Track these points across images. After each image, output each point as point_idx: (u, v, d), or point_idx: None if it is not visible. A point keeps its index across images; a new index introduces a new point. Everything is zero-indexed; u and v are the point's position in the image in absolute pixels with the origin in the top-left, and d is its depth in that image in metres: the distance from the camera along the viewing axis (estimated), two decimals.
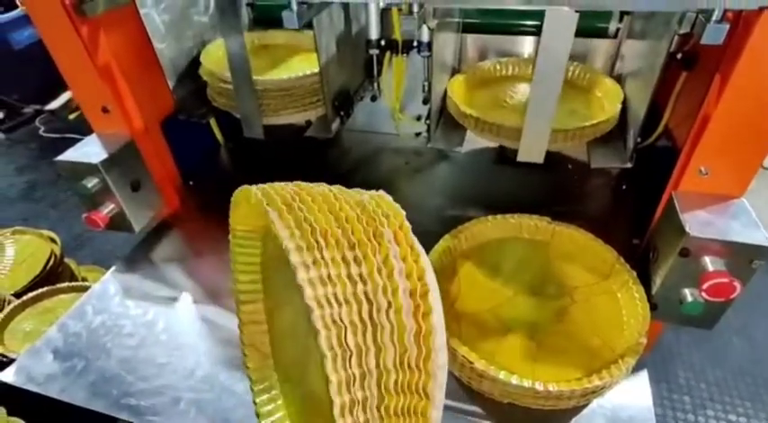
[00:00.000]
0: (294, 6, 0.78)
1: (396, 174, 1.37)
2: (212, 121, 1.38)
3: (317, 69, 1.00)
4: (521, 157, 0.96)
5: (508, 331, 0.82)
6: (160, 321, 0.96)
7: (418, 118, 1.43)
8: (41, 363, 0.89)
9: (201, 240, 1.21)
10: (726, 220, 0.73)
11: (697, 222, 0.73)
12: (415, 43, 1.05)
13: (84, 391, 0.84)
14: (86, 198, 1.03)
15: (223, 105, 1.14)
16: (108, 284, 1.06)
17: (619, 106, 0.98)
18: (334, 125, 1.09)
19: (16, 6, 3.94)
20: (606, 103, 1.05)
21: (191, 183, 1.31)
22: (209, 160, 1.44)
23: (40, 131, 3.69)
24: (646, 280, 0.84)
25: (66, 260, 2.18)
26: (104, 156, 1.00)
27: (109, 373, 0.86)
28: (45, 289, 1.85)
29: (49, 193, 3.05)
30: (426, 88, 1.14)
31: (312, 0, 0.80)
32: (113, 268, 1.10)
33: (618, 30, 1.13)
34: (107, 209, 1.05)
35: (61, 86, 3.97)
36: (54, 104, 3.80)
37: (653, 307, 0.79)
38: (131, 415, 0.79)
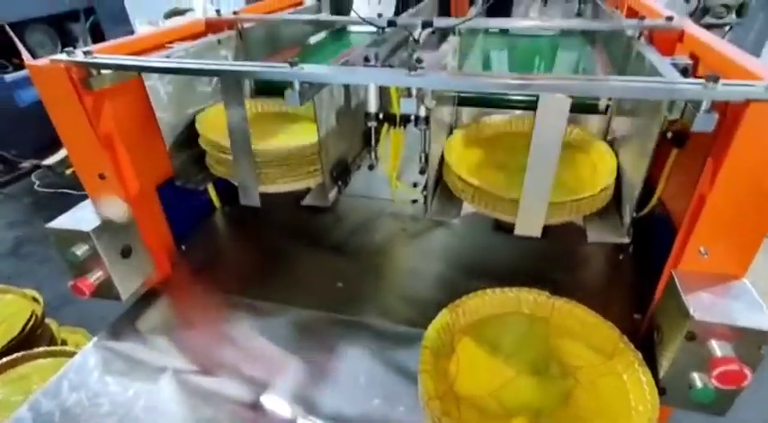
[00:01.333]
0: (297, 87, 0.80)
1: (392, 240, 1.36)
2: (209, 186, 1.39)
3: (315, 139, 1.02)
4: (518, 231, 0.96)
5: (511, 417, 0.77)
6: (141, 399, 0.90)
7: (414, 185, 1.44)
8: None
9: (191, 309, 1.17)
10: (730, 301, 0.72)
11: (701, 305, 0.71)
12: (413, 117, 1.09)
13: None
14: (74, 265, 1.01)
15: (221, 173, 1.15)
16: (88, 357, 1.00)
17: (614, 176, 1.00)
18: (332, 194, 1.09)
19: (24, 67, 4.09)
20: (600, 171, 1.06)
21: (183, 247, 1.29)
22: (204, 224, 1.43)
23: (36, 186, 3.69)
24: (651, 361, 0.81)
25: (48, 320, 2.10)
26: (96, 223, 0.99)
27: None
28: (20, 354, 1.76)
29: (36, 250, 2.99)
30: (423, 159, 1.16)
31: (313, 81, 0.82)
32: (95, 339, 1.05)
33: (608, 107, 1.18)
34: (94, 276, 1.02)
35: (59, 143, 4.03)
36: (51, 160, 3.83)
37: (661, 391, 0.76)
38: None
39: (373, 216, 1.46)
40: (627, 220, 0.95)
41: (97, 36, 4.46)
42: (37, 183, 3.72)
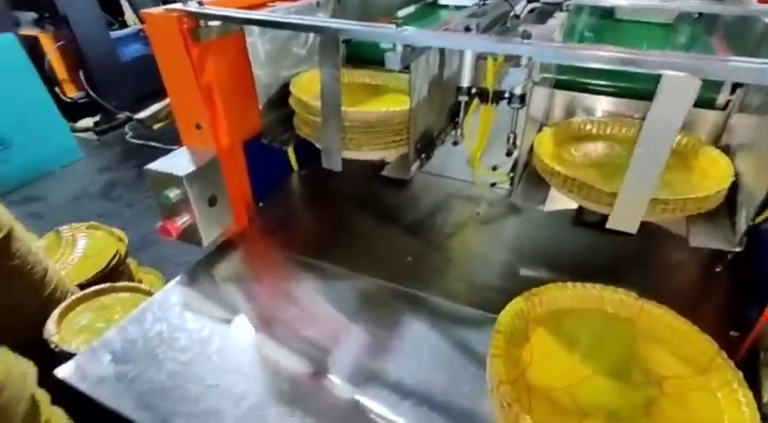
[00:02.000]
0: (399, 48, 0.78)
1: (465, 223, 1.32)
2: (290, 148, 1.42)
3: (403, 108, 1.00)
4: (611, 225, 0.89)
5: (585, 416, 0.73)
6: (215, 340, 0.94)
7: (494, 168, 1.39)
8: (97, 364, 0.89)
9: (263, 264, 1.21)
10: None
11: None
12: (507, 94, 1.03)
13: (132, 401, 0.82)
14: (165, 207, 1.07)
15: (306, 135, 1.16)
16: (170, 294, 1.07)
17: (729, 182, 0.90)
18: (414, 167, 1.07)
19: (128, 24, 4.39)
20: (712, 176, 0.97)
21: (260, 204, 1.33)
22: (281, 185, 1.47)
23: (127, 137, 3.99)
24: (754, 384, 0.73)
25: (129, 259, 2.28)
26: (190, 169, 1.03)
27: (158, 385, 0.85)
28: (105, 285, 1.92)
29: (124, 194, 3.24)
30: (512, 140, 1.11)
31: (418, 44, 0.80)
32: (177, 279, 1.11)
33: (728, 102, 1.06)
34: (182, 220, 1.08)
35: (152, 99, 4.30)
36: (143, 114, 4.11)
37: (764, 417, 0.68)
38: None
39: (447, 196, 1.42)
40: (742, 227, 0.85)
41: None
42: (129, 134, 4.02)
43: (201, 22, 0.95)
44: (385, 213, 1.35)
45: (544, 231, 1.29)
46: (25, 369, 1.35)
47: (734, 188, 0.93)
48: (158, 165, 1.05)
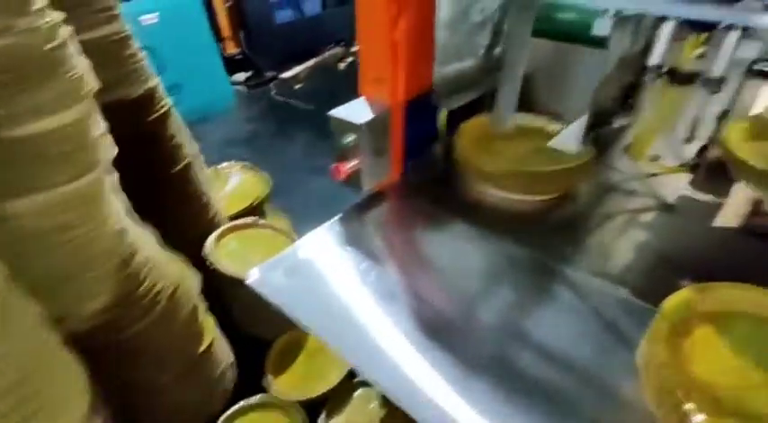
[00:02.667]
0: (611, 11, 0.77)
1: (614, 212, 1.27)
2: (442, 113, 1.46)
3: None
4: None
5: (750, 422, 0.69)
6: (372, 273, 1.04)
7: (653, 159, 1.31)
8: (274, 275, 1.04)
9: (410, 216, 1.28)
10: None
11: None
12: (701, 77, 0.96)
13: (304, 310, 0.95)
14: (340, 151, 1.18)
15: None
16: (331, 229, 1.19)
17: None
18: (584, 139, 1.05)
19: None
20: None
21: (410, 163, 1.40)
22: (428, 146, 1.53)
23: (272, 93, 4.37)
24: None
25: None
26: (368, 118, 1.13)
27: (328, 298, 0.97)
28: (251, 219, 2.18)
29: (265, 144, 3.59)
30: (693, 127, 1.04)
31: (630, 11, 0.78)
32: (336, 218, 1.23)
33: None
34: (350, 164, 1.19)
35: (295, 61, 4.65)
36: (287, 74, 4.46)
37: None
38: None
39: (597, 183, 1.37)
40: None
41: None
42: (273, 91, 4.40)
43: None
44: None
45: (705, 235, 1.19)
46: (192, 277, 1.60)
47: None
48: (340, 112, 1.16)
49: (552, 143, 1.09)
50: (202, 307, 1.70)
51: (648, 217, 1.24)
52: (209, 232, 1.99)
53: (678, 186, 1.29)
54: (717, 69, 0.92)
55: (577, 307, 0.96)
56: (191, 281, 1.61)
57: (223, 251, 2.04)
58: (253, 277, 1.03)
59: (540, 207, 1.28)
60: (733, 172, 0.93)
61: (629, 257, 1.10)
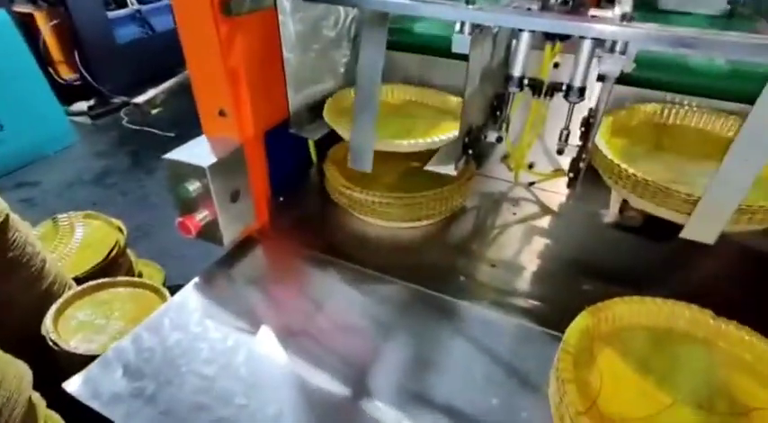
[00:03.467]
0: (468, 29, 0.68)
1: (500, 225, 1.23)
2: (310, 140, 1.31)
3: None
4: (687, 235, 0.81)
5: None
6: (240, 351, 0.85)
7: (530, 166, 1.31)
8: (110, 377, 0.79)
9: (288, 264, 1.11)
10: None
11: None
12: (565, 87, 0.94)
13: None
14: (184, 202, 0.96)
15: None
16: (188, 298, 0.97)
17: None
18: (460, 162, 0.98)
19: (126, 5, 4.21)
20: None
21: (281, 199, 1.23)
22: (301, 178, 1.36)
23: (123, 121, 3.84)
24: None
25: (127, 251, 2.16)
26: (213, 160, 0.93)
27: (181, 404, 0.75)
28: (105, 280, 1.81)
29: (119, 181, 3.11)
30: (564, 137, 1.02)
31: (494, 24, 0.70)
32: (195, 280, 1.01)
33: None
34: (201, 216, 0.98)
35: (149, 83, 4.15)
36: (140, 98, 3.95)
37: None
38: None
39: (481, 195, 1.33)
40: None
41: None
42: (125, 119, 3.87)
43: None
44: None
45: (585, 235, 1.21)
46: (21, 371, 1.25)
47: None
48: (178, 154, 0.95)
49: (428, 166, 1.00)
50: (41, 404, 1.34)
51: (534, 226, 1.22)
52: (48, 305, 1.61)
53: (557, 191, 1.30)
54: (578, 79, 0.90)
55: (481, 349, 0.87)
56: (18, 377, 1.25)
57: (70, 325, 1.66)
58: (76, 386, 0.77)
59: (425, 232, 1.19)
60: (609, 183, 0.92)
61: (522, 278, 1.06)
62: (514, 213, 1.27)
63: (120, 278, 1.83)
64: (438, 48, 1.23)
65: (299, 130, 1.12)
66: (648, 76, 1.09)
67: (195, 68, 0.93)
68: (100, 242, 2.02)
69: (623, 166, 0.86)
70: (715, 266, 1.07)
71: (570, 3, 1.05)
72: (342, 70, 1.24)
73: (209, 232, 1.00)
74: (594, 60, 0.73)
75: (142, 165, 3.28)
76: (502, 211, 1.27)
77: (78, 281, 1.80)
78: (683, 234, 0.81)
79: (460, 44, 0.69)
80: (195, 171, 0.92)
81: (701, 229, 0.79)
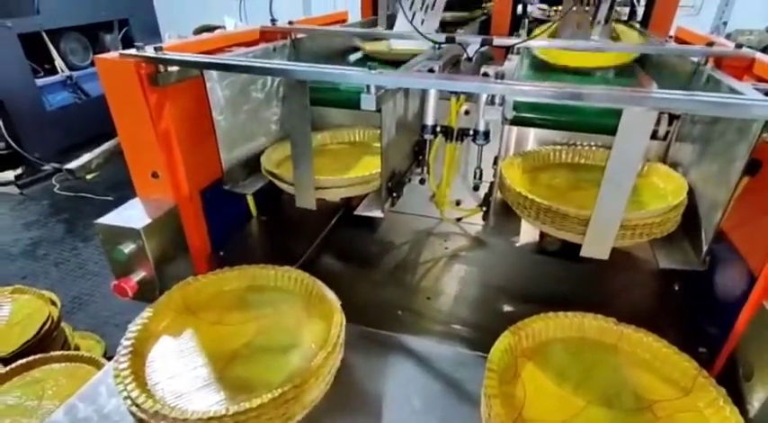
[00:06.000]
0: (373, 90, 0.78)
1: (436, 259, 1.32)
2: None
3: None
4: (585, 253, 0.92)
5: None
6: None
7: (457, 203, 1.42)
8: None
9: None
10: None
11: None
12: (471, 131, 1.06)
13: None
14: (119, 264, 0.97)
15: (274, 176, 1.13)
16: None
17: (683, 204, 0.96)
18: (387, 205, 1.06)
19: (56, 72, 4.16)
20: (671, 197, 1.02)
21: (221, 253, 1.25)
22: (241, 232, 1.40)
23: (55, 189, 3.70)
24: (735, 399, 0.75)
25: (62, 324, 2.05)
26: (147, 221, 0.96)
27: None
28: (36, 357, 1.70)
29: (52, 251, 2.97)
30: (478, 175, 1.13)
31: (394, 86, 0.81)
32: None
33: (667, 132, 1.15)
34: (138, 277, 0.99)
35: (82, 148, 4.06)
36: (73, 164, 3.83)
37: None
38: None
39: (414, 233, 1.42)
40: (704, 247, 0.91)
41: (127, 46, 4.54)
42: (57, 186, 3.73)
43: (161, 67, 0.90)
44: (349, 254, 1.33)
45: (510, 262, 1.32)
46: None
47: (693, 211, 0.98)
48: (111, 218, 0.97)
49: (357, 212, 1.07)
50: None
51: (464, 256, 1.32)
52: None
53: (480, 224, 1.41)
54: (481, 124, 1.03)
55: (419, 377, 0.92)
56: None
57: None
58: None
59: (363, 270, 1.25)
60: (516, 210, 1.03)
61: (456, 306, 1.14)
62: (446, 247, 1.36)
63: (53, 353, 1.73)
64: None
65: (234, 186, 1.17)
66: (549, 118, 1.25)
67: (126, 135, 0.98)
68: (29, 318, 1.90)
69: (527, 195, 0.97)
70: (620, 279, 1.19)
71: (472, 60, 1.22)
72: (274, 127, 1.32)
73: (147, 293, 1.01)
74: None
75: (77, 233, 3.15)
76: (434, 245, 1.36)
77: (6, 361, 1.68)
78: (582, 252, 0.92)
79: (367, 102, 0.78)
80: (129, 234, 0.94)
81: (595, 247, 0.90)
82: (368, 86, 0.79)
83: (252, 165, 1.21)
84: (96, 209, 3.24)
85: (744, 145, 0.81)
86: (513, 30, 1.81)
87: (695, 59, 1.11)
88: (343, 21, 1.93)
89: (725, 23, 3.94)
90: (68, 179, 3.78)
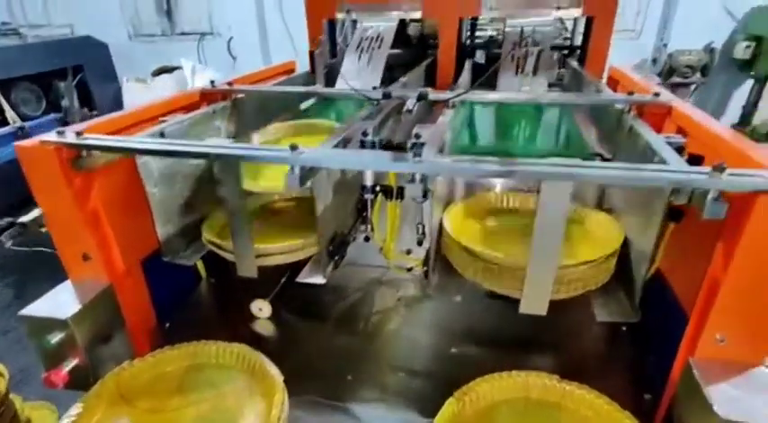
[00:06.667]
0: (297, 171, 0.78)
1: (388, 311, 1.31)
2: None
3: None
4: (523, 310, 0.92)
5: None
6: None
7: (408, 252, 1.42)
8: None
9: None
10: (753, 395, 0.69)
11: (725, 400, 0.68)
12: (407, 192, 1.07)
13: None
14: (48, 355, 0.93)
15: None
16: None
17: (616, 252, 0.98)
18: (328, 269, 1.05)
19: (7, 123, 4.05)
20: (605, 246, 1.04)
21: (167, 325, 1.21)
22: (190, 298, 1.36)
23: (7, 245, 3.54)
24: None
25: (11, 396, 1.93)
26: (76, 309, 0.92)
27: None
28: None
29: (4, 315, 2.82)
30: (421, 231, 1.14)
31: (315, 165, 0.81)
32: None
33: None
34: (70, 366, 0.94)
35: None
36: (26, 218, 3.70)
37: None
38: None
39: (367, 285, 1.41)
40: (636, 298, 0.93)
41: (83, 93, 4.47)
42: (9, 242, 3.57)
43: (84, 152, 0.88)
44: (303, 312, 1.30)
45: (462, 308, 1.31)
46: None
47: (627, 259, 1.01)
48: (36, 308, 0.93)
49: (299, 278, 1.06)
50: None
51: (416, 306, 1.31)
52: None
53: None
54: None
55: None
56: None
57: None
58: None
59: (315, 333, 1.23)
60: (452, 262, 1.04)
61: (407, 365, 1.12)
62: (399, 298, 1.35)
63: None
64: None
65: (174, 257, 1.14)
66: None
67: (51, 220, 0.95)
68: None
69: (467, 254, 0.98)
70: (569, 321, 1.20)
71: (413, 112, 1.24)
72: (211, 197, 1.29)
73: (81, 380, 0.96)
74: None
75: (27, 297, 3.00)
76: (385, 296, 1.35)
77: None
78: (521, 309, 0.92)
79: (291, 182, 0.78)
80: (56, 324, 0.90)
81: (533, 303, 0.91)
82: (291, 167, 0.79)
83: (193, 232, 1.18)
84: (49, 267, 3.11)
85: (661, 199, 0.84)
86: (458, 75, 1.87)
87: (620, 107, 1.16)
88: (291, 71, 1.95)
89: (665, 45, 4.15)
90: (21, 234, 3.63)
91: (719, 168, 0.65)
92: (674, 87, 4.08)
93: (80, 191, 0.91)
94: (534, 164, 0.74)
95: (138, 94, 4.60)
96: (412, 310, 1.31)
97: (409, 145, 0.98)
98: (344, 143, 1.04)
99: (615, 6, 1.77)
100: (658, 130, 1.14)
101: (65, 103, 4.41)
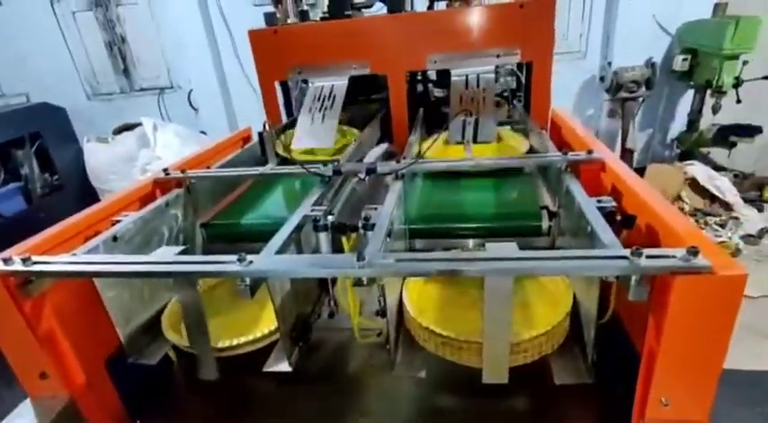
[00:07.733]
0: (248, 281, 0.80)
1: (361, 378, 1.31)
2: None
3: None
4: (486, 380, 0.95)
5: None
6: None
7: (377, 313, 1.43)
8: None
9: None
10: None
11: None
12: None
13: None
14: None
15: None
16: None
17: (567, 314, 1.02)
18: (294, 357, 1.06)
19: None
20: (558, 308, 1.08)
21: (137, 422, 1.19)
22: (162, 387, 1.33)
23: None
24: None
25: None
26: None
27: None
28: None
29: None
30: (382, 303, 1.16)
31: (263, 276, 0.83)
32: None
33: (550, 227, 1.24)
34: None
35: None
36: None
37: None
38: None
39: (339, 350, 1.41)
40: (589, 359, 0.96)
41: (43, 159, 4.39)
42: None
43: (32, 277, 0.88)
44: (284, 381, 1.29)
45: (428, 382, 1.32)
46: None
47: (578, 318, 1.05)
48: None
49: (266, 368, 1.06)
50: None
51: (387, 375, 1.32)
52: None
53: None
54: None
55: None
56: None
57: None
58: None
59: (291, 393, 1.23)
60: (418, 339, 1.06)
61: None
62: (372, 364, 1.36)
63: None
64: None
65: (139, 357, 1.13)
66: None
67: (5, 345, 0.93)
68: None
69: (424, 328, 1.01)
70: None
71: (366, 180, 1.28)
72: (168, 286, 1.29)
73: None
74: None
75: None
76: (360, 362, 1.36)
77: None
78: (484, 380, 0.95)
79: (243, 293, 0.80)
80: None
81: (493, 373, 0.94)
82: (242, 277, 0.80)
83: (157, 327, 1.18)
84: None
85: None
86: (413, 123, 1.93)
87: (558, 166, 1.22)
88: (248, 138, 1.98)
89: (609, 63, 4.36)
90: None
91: (637, 253, 0.70)
92: (623, 102, 4.29)
93: (31, 314, 0.90)
94: (474, 259, 0.79)
95: (100, 154, 4.55)
96: (383, 375, 1.31)
97: (360, 224, 1.02)
98: (299, 229, 1.08)
99: (551, 51, 1.87)
100: (594, 185, 1.21)
101: (24, 171, 4.33)
